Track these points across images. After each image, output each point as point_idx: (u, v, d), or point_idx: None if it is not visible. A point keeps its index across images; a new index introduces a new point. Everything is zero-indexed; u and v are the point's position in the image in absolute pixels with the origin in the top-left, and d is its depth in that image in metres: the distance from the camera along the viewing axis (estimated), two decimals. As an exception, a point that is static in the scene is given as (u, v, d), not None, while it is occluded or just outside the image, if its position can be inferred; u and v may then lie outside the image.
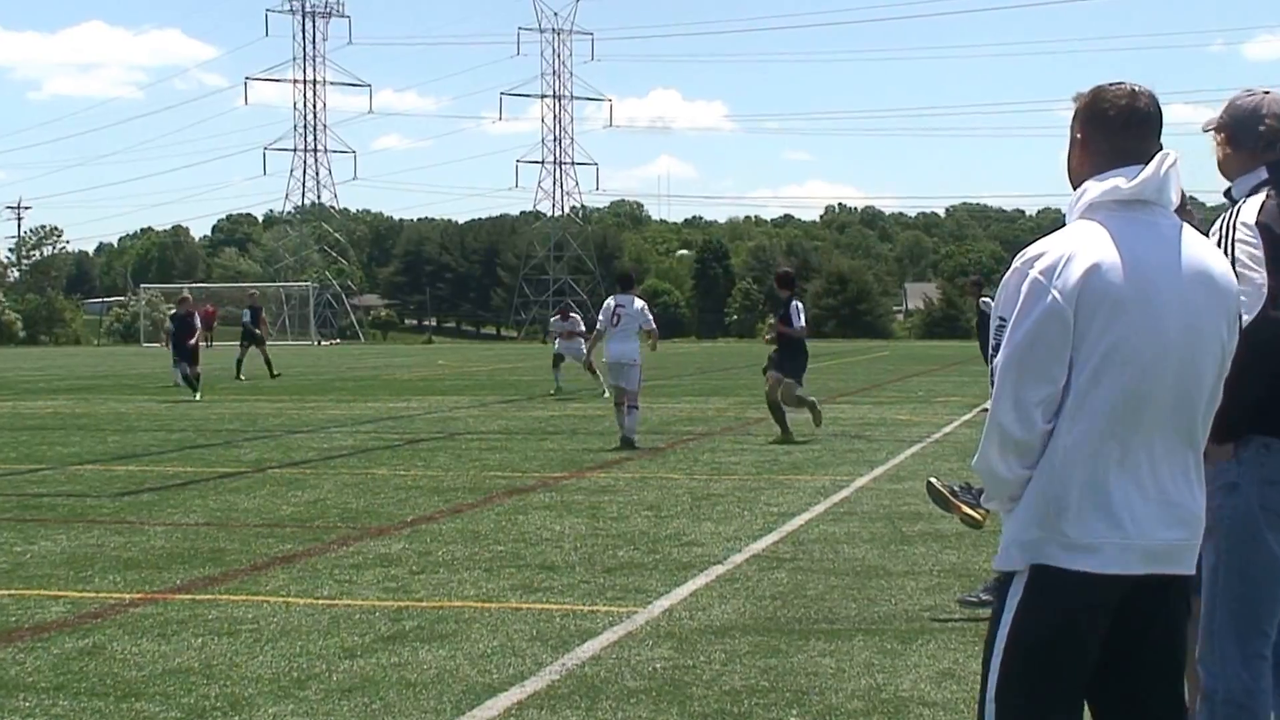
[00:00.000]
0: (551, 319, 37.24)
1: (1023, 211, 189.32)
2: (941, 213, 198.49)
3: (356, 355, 74.06)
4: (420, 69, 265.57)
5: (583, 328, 36.97)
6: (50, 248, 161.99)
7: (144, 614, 9.14)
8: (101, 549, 11.64)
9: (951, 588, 9.75)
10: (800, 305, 20.61)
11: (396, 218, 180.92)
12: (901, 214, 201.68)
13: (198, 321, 31.93)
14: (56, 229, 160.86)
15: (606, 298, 21.10)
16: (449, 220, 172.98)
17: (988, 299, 28.17)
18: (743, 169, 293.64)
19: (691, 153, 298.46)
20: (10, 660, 7.92)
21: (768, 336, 21.56)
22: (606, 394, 28.07)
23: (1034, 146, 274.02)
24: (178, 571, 10.62)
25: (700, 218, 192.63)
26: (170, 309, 47.37)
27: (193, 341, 32.50)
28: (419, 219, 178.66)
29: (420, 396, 32.27)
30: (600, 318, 20.61)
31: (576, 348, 34.36)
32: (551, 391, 33.45)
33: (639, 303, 20.49)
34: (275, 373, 39.56)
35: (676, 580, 10.16)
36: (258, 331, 40.37)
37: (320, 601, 9.48)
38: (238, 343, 41.44)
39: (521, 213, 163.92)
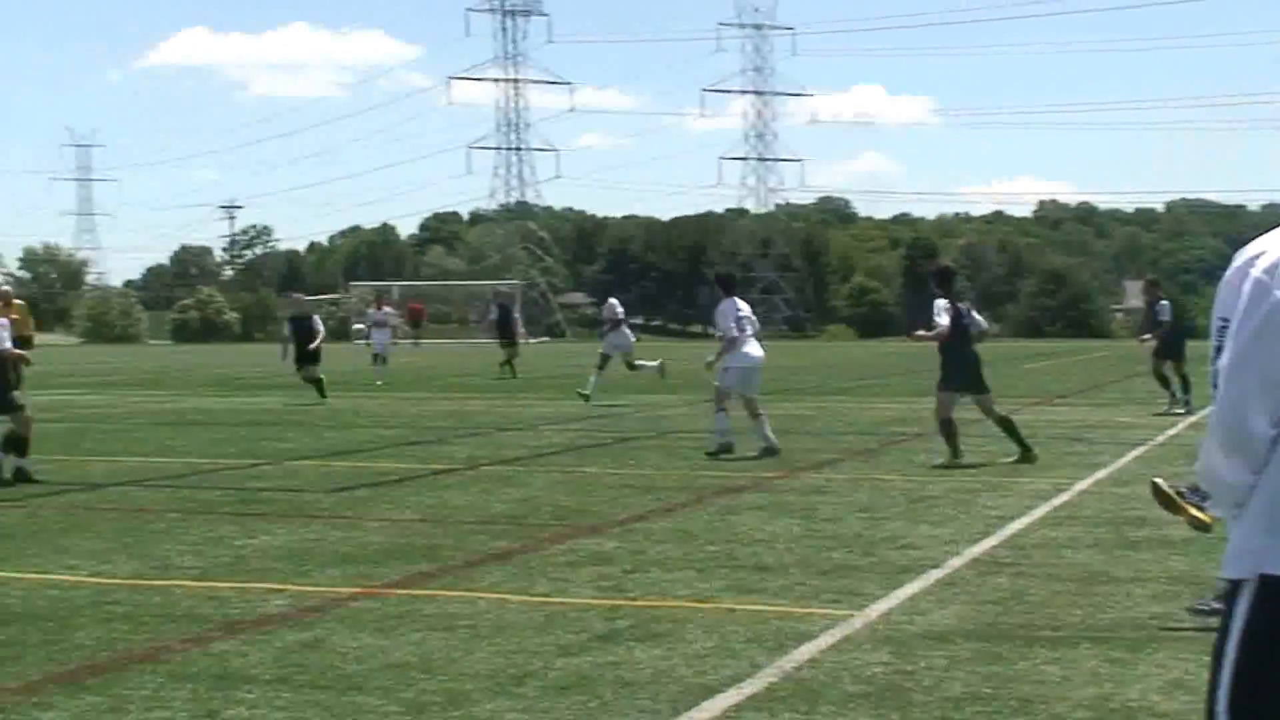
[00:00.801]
0: (369, 311, 38.05)
1: (1244, 207, 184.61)
2: (1159, 208, 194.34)
3: (564, 353, 74.67)
4: (621, 66, 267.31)
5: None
6: (261, 247, 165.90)
7: (363, 608, 9.31)
8: (320, 543, 11.87)
9: (1180, 595, 9.53)
10: (945, 304, 17.63)
11: (600, 215, 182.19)
12: (1118, 210, 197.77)
13: (319, 324, 31.95)
14: (267, 228, 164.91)
15: (725, 299, 19.13)
16: (653, 218, 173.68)
17: (1164, 300, 27.42)
18: (950, 164, 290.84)
19: (897, 148, 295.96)
20: (234, 652, 8.10)
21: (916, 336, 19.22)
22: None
23: (1256, 139, 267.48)
24: (394, 567, 10.79)
25: (908, 214, 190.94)
26: (372, 309, 48.08)
27: (314, 345, 32.18)
28: (623, 216, 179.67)
29: (630, 395, 32.41)
30: (730, 323, 18.82)
31: (625, 342, 34.72)
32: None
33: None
34: (513, 374, 39.63)
35: (893, 583, 10.07)
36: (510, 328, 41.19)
37: (535, 599, 9.57)
38: (495, 340, 42.23)
39: (726, 210, 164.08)
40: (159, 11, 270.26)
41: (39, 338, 30.39)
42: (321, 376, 30.84)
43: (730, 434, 18.61)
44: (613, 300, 32.52)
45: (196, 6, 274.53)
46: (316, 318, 31.68)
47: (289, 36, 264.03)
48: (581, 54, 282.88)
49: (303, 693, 7.28)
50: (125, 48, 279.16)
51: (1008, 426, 17.91)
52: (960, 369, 17.83)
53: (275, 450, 19.94)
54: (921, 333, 18.23)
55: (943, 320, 17.54)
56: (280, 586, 10.03)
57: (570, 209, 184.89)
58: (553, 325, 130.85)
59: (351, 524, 12.97)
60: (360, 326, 38.98)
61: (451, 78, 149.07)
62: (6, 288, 36.06)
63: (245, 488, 15.74)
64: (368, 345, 42.53)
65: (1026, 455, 17.62)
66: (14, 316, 31.82)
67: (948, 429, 17.77)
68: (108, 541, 11.97)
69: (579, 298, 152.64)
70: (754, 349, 19.05)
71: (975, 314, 18.43)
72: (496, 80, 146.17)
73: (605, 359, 30.76)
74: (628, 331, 32.09)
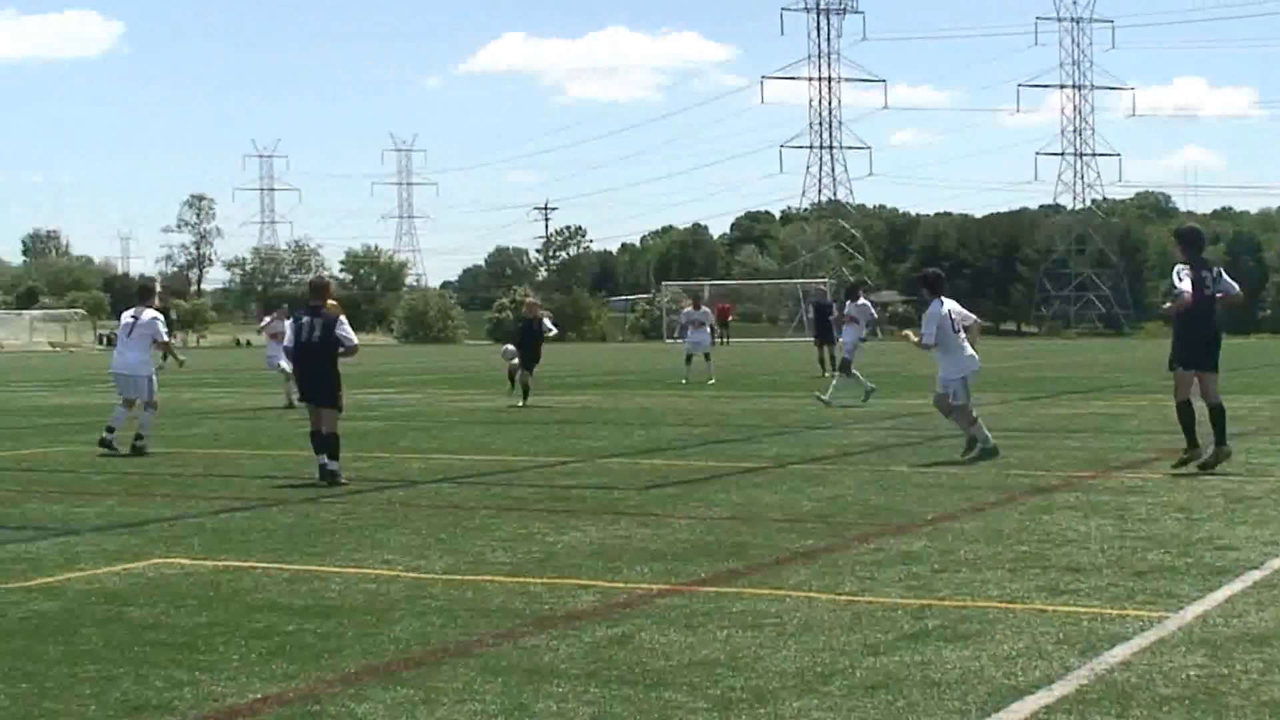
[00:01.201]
0: (683, 309, 37.21)
1: None
2: None
3: (874, 352, 74.24)
4: (935, 63, 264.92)
5: (713, 319, 37.04)
6: (575, 247, 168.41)
7: (670, 605, 9.38)
8: (629, 540, 12.00)
9: None
10: (1185, 268, 15.91)
11: (913, 213, 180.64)
12: None
13: (549, 325, 31.81)
14: (581, 229, 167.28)
15: (933, 301, 18.45)
16: (966, 215, 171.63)
17: None
18: (1274, 157, 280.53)
19: (1219, 141, 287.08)
20: (544, 647, 8.24)
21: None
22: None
23: None
24: (702, 564, 10.85)
25: (1230, 209, 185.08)
26: (685, 306, 48.37)
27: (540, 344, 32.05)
28: (935, 214, 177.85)
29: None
30: (931, 329, 18.15)
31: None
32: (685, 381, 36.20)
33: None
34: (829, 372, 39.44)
35: (1210, 585, 9.78)
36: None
37: (842, 597, 9.53)
38: (812, 338, 42.27)
39: (1040, 206, 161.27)
40: (478, 19, 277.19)
41: (359, 338, 31.28)
42: (528, 382, 30.47)
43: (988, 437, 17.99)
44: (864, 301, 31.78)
45: (515, 13, 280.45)
46: (547, 320, 31.70)
47: (606, 40, 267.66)
48: (895, 51, 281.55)
49: (611, 688, 7.37)
50: (445, 54, 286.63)
51: (1218, 415, 16.09)
52: (1198, 345, 16.13)
53: (586, 448, 20.23)
54: (1167, 305, 16.61)
55: (1184, 285, 15.76)
56: (590, 583, 10.17)
57: (882, 206, 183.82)
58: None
59: (660, 521, 13.08)
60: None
61: (765, 77, 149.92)
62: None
63: (556, 485, 15.99)
64: (681, 343, 42.77)
65: (1220, 451, 16.04)
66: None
67: (1184, 414, 16.20)
68: (423, 537, 12.29)
69: (891, 296, 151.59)
70: (968, 353, 18.35)
71: (1225, 277, 16.38)
72: (810, 79, 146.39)
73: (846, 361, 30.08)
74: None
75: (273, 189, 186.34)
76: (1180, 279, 15.85)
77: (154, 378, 21.14)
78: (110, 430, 20.52)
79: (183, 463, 18.86)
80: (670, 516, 13.38)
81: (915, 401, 29.17)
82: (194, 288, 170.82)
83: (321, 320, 16.81)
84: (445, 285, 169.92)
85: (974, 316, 18.86)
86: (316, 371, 16.88)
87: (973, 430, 18.06)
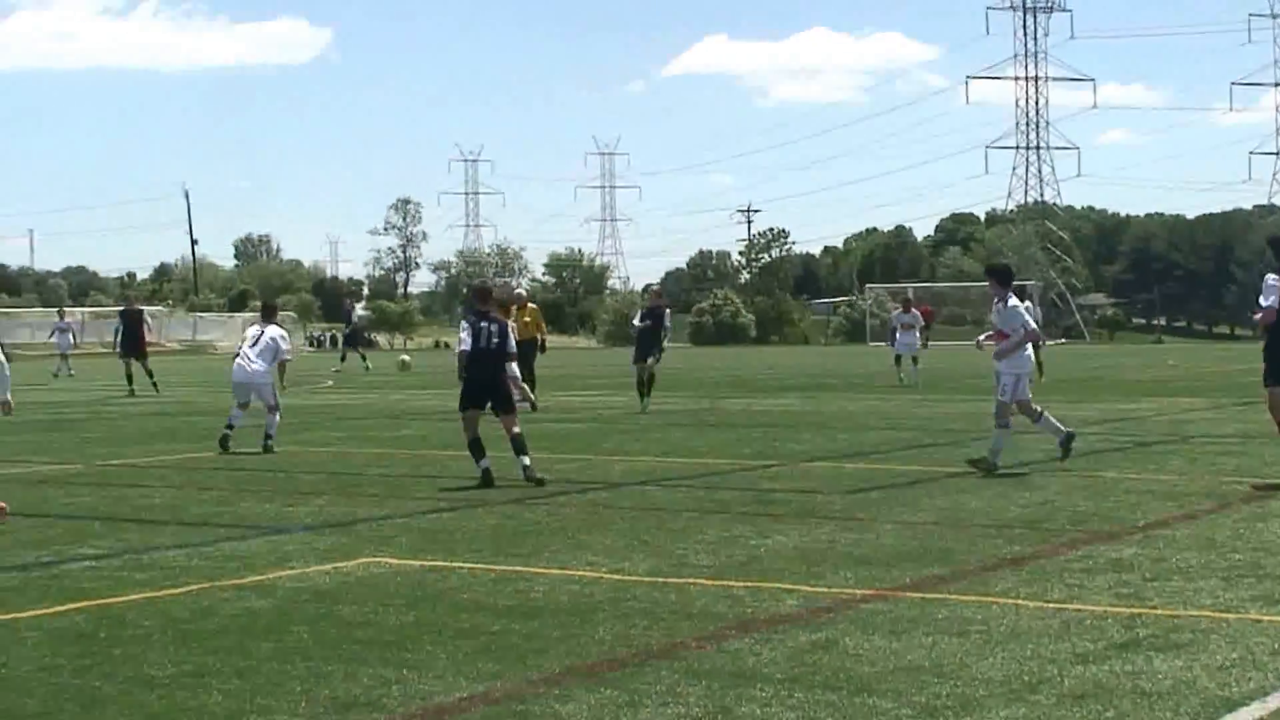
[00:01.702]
0: (894, 312, 36.55)
1: None
2: None
3: (1082, 355, 73.15)
4: (1145, 61, 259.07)
5: (923, 321, 36.48)
6: (778, 250, 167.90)
7: (875, 610, 9.33)
8: (833, 545, 11.96)
9: None
10: (1276, 278, 14.86)
11: (1122, 214, 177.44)
12: None
13: (667, 320, 31.44)
14: (784, 231, 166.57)
15: (1011, 296, 17.68)
16: (1178, 216, 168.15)
17: None
18: None
19: None
20: (747, 651, 8.24)
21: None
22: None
23: None
24: (907, 569, 10.78)
25: None
26: (895, 308, 48.07)
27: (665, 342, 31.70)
28: (1145, 215, 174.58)
29: (1151, 398, 31.50)
30: (1032, 325, 17.76)
31: (914, 343, 34.66)
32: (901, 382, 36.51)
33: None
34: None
35: None
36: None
37: (1050, 605, 9.40)
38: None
39: (1255, 206, 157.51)
40: (681, 22, 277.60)
41: (561, 340, 31.61)
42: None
43: (999, 453, 17.19)
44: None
45: (718, 16, 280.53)
46: (667, 312, 31.43)
47: (809, 41, 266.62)
48: (1104, 49, 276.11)
49: (814, 693, 7.35)
50: (648, 58, 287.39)
51: None
52: None
53: (789, 451, 20.20)
54: (1257, 316, 15.37)
55: (1268, 301, 14.87)
56: (793, 587, 10.15)
57: (1090, 208, 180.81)
58: (1070, 327, 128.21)
59: (864, 526, 13.01)
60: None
61: (970, 77, 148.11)
62: (520, 291, 37.76)
63: (759, 488, 15.98)
64: (889, 347, 42.47)
65: None
66: (525, 320, 33.44)
67: None
68: (626, 539, 12.36)
69: (1099, 299, 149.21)
70: (1025, 351, 17.65)
71: None
72: (1016, 79, 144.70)
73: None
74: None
75: (477, 193, 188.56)
76: (1269, 294, 14.92)
77: (274, 386, 22.00)
78: (230, 428, 21.36)
79: (391, 463, 19.18)
80: (874, 521, 13.30)
81: (1126, 405, 28.68)
82: (400, 290, 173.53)
83: (498, 326, 17.02)
84: (647, 288, 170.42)
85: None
86: (497, 376, 17.12)
87: (998, 434, 17.40)
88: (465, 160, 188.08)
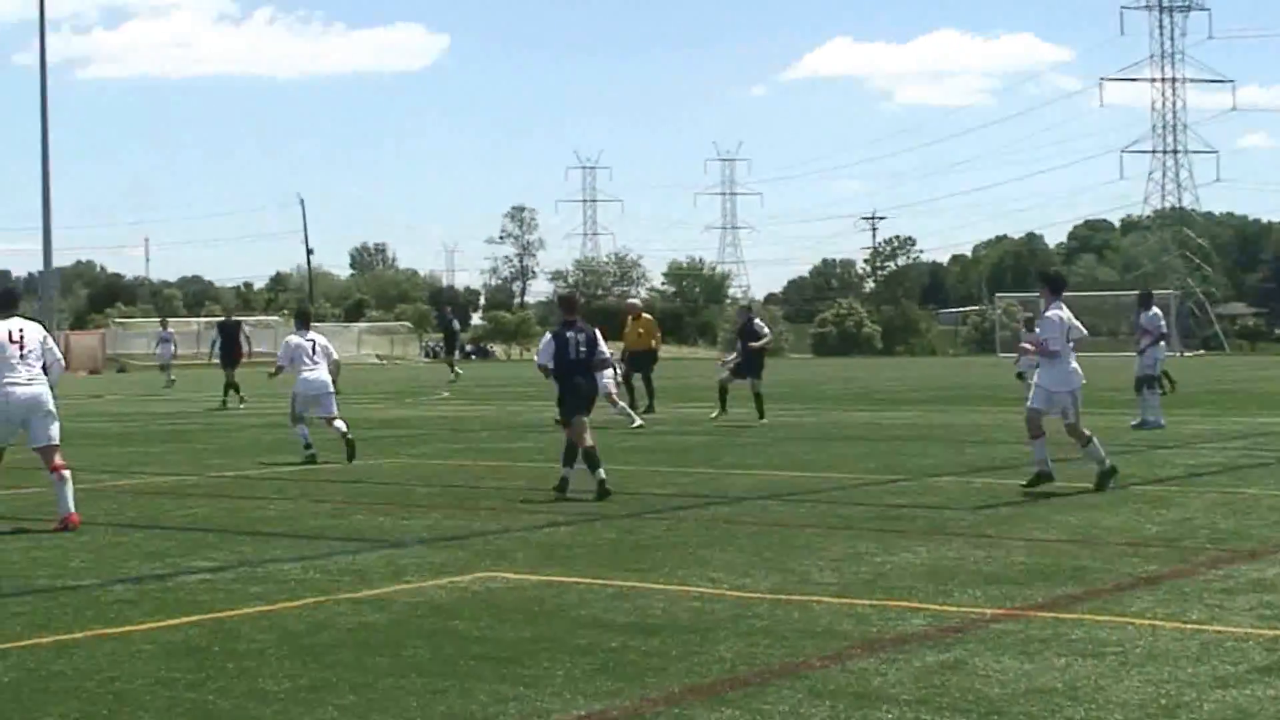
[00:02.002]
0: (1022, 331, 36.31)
1: None
2: None
3: (1223, 366, 72.17)
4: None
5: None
6: (904, 258, 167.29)
7: (1005, 630, 9.24)
8: (961, 562, 11.86)
9: None
10: None
11: (1263, 220, 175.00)
12: None
13: (765, 329, 31.44)
14: (910, 239, 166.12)
15: (1053, 304, 17.20)
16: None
17: None
18: None
19: None
20: (873, 670, 8.19)
21: None
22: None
23: None
24: (1039, 588, 10.67)
25: None
26: (1026, 316, 47.63)
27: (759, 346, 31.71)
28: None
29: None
30: (1056, 333, 16.96)
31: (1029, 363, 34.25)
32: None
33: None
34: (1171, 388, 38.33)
35: None
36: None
37: (1189, 626, 9.27)
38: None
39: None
40: (805, 24, 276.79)
41: (681, 351, 31.66)
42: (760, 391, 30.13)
43: (1047, 462, 16.88)
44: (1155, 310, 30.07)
45: (842, 17, 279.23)
46: (758, 320, 31.33)
47: (936, 43, 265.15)
48: (1244, 50, 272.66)
49: (942, 715, 7.29)
50: (771, 61, 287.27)
51: None
52: None
53: (916, 466, 20.07)
54: None
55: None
56: (920, 605, 10.08)
57: (1230, 214, 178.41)
58: (1208, 337, 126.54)
59: (994, 543, 12.90)
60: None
61: (1104, 79, 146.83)
62: (634, 301, 37.87)
63: (885, 503, 15.89)
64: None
65: None
66: (639, 330, 33.56)
67: None
68: (748, 555, 12.33)
69: (1240, 308, 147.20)
70: (1074, 365, 17.05)
71: None
72: (1152, 80, 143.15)
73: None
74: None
75: (595, 200, 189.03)
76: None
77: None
78: (308, 446, 21.83)
79: (508, 476, 19.27)
80: (1004, 538, 13.19)
81: (1268, 419, 28.25)
82: (517, 300, 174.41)
83: (585, 335, 17.15)
84: (770, 297, 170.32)
85: (1084, 330, 17.45)
86: (589, 386, 17.42)
87: (1089, 450, 17.01)
88: (583, 167, 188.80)
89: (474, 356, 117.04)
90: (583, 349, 17.08)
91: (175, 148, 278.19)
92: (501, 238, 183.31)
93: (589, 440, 16.84)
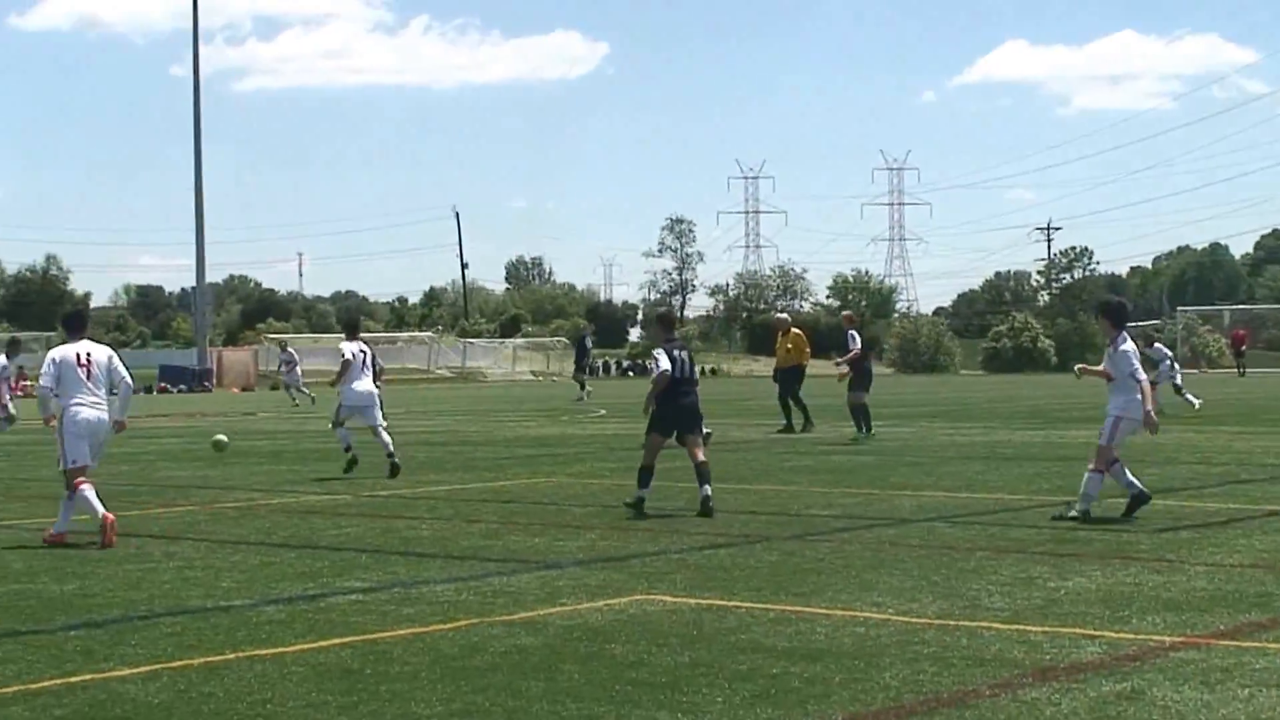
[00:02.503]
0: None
1: None
2: None
3: None
4: None
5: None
6: (1080, 270, 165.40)
7: (1185, 659, 9.10)
8: (1139, 588, 11.71)
9: None
10: None
11: None
12: None
13: (853, 336, 31.60)
14: (1086, 250, 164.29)
15: (1117, 336, 16.47)
16: None
17: None
18: None
19: None
20: (1045, 700, 8.11)
21: None
22: None
23: None
24: (1221, 615, 10.51)
25: None
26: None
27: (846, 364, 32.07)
28: None
29: None
30: (1135, 364, 16.39)
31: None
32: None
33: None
34: None
35: None
36: None
37: (1382, 657, 9.08)
38: None
39: None
40: (976, 28, 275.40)
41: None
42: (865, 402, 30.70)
43: (1135, 484, 16.19)
44: None
45: (1016, 20, 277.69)
46: (852, 332, 31.96)
47: (1114, 45, 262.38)
48: None
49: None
50: (940, 67, 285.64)
51: None
52: None
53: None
54: None
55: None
56: (1096, 633, 9.96)
57: None
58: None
59: (1174, 568, 12.72)
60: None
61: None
62: (783, 316, 37.91)
63: (1058, 527, 15.71)
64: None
65: None
66: (788, 346, 33.57)
67: None
68: (914, 579, 12.26)
69: None
70: (1135, 395, 16.24)
71: None
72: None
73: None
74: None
75: (758, 211, 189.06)
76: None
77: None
78: (349, 449, 23.40)
79: (664, 496, 19.29)
80: (1185, 562, 13.00)
81: None
82: (677, 315, 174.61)
83: (687, 353, 17.86)
84: (938, 311, 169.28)
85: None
86: (695, 403, 17.72)
87: (1124, 478, 16.28)
88: (745, 177, 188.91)
89: (631, 373, 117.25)
90: (687, 368, 17.65)
91: (329, 160, 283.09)
92: (660, 250, 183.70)
93: (700, 456, 17.24)
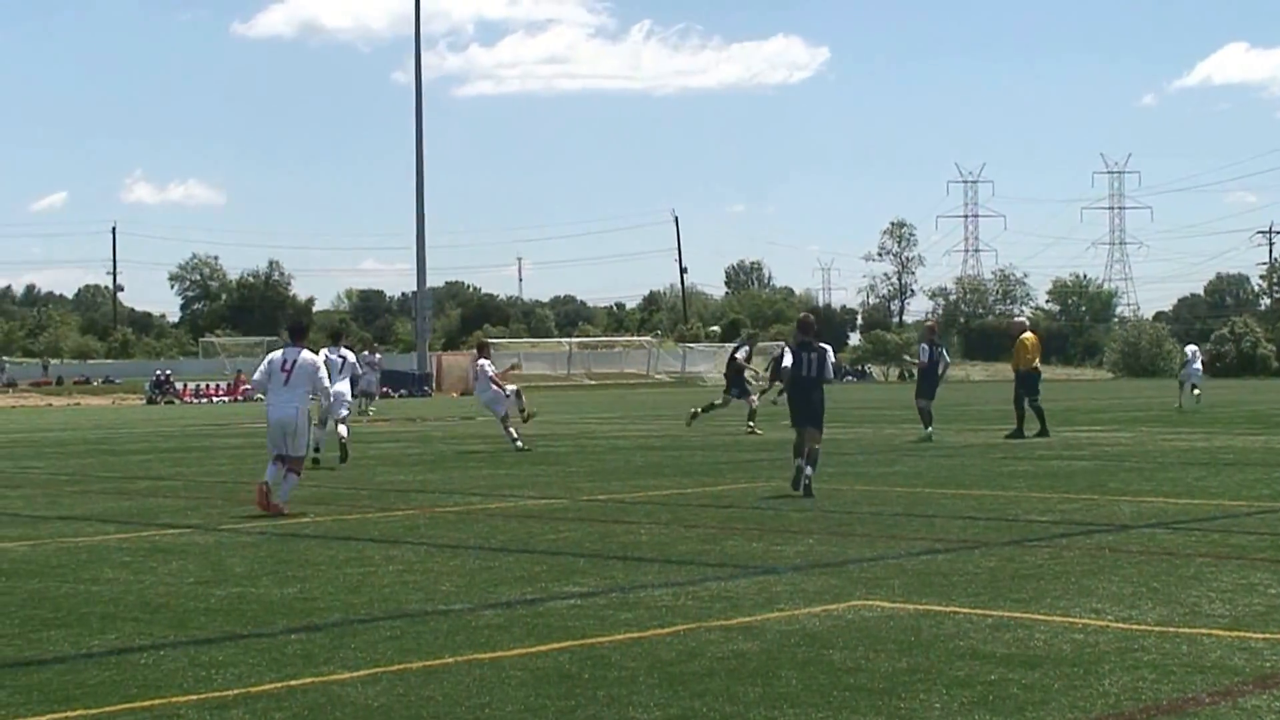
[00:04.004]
0: None
1: None
2: None
3: None
4: None
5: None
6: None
7: None
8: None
9: None
10: None
11: None
12: None
13: (938, 353, 32.77)
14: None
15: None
16: None
17: None
18: None
19: None
20: (1266, 708, 7.94)
21: None
22: None
23: None
24: None
25: None
26: None
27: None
28: None
29: None
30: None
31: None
32: None
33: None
34: None
35: None
36: None
37: None
38: None
39: None
40: (1198, 30, 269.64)
41: (1066, 371, 31.20)
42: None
43: None
44: None
45: (1237, 22, 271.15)
46: (924, 345, 33.61)
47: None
48: None
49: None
50: (1162, 69, 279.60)
51: None
52: None
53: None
54: None
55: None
56: (1321, 641, 9.73)
57: None
58: None
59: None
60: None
61: None
62: (1021, 319, 37.57)
63: (1278, 532, 15.38)
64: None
65: None
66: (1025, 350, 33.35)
67: None
68: (1134, 585, 12.06)
69: None
70: None
71: None
72: None
73: None
74: None
75: (976, 215, 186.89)
76: None
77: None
78: (317, 449, 26.27)
79: (882, 501, 19.21)
80: None
81: None
82: (896, 319, 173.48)
83: (818, 355, 20.29)
84: (1159, 316, 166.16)
85: None
86: (818, 399, 20.36)
87: None
88: (964, 181, 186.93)
89: (851, 379, 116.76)
90: (814, 369, 20.24)
91: (549, 164, 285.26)
92: (880, 254, 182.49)
93: (815, 444, 20.13)
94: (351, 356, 28.37)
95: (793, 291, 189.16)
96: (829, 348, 20.67)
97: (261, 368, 19.09)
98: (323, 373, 19.05)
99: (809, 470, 19.86)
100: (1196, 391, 47.72)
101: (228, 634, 10.69)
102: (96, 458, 31.94)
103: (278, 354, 19.12)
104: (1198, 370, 48.63)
